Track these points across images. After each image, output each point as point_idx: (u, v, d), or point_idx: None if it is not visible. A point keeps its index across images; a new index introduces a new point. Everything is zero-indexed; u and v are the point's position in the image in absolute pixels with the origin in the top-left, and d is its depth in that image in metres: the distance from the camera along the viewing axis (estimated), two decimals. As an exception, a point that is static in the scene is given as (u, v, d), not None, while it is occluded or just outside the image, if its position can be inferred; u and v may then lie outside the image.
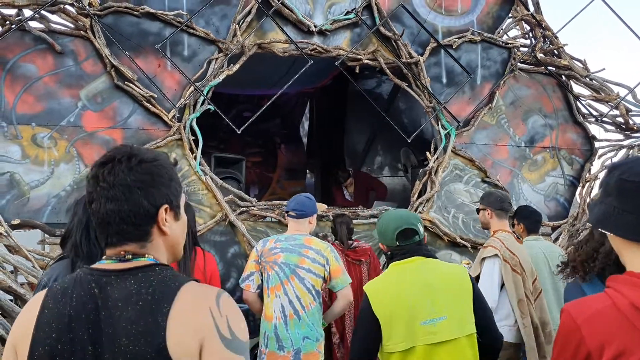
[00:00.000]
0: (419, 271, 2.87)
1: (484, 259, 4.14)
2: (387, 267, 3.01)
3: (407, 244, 2.92)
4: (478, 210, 4.47)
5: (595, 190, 6.55)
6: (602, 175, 5.49)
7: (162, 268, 1.51)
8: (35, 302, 1.52)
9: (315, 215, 4.19)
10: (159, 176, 1.53)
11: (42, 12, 4.94)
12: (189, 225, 3.42)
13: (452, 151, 6.17)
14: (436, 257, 3.02)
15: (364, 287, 2.92)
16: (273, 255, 3.93)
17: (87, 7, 5.04)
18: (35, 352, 1.44)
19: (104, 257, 1.55)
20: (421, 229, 2.98)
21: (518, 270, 4.03)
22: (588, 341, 1.46)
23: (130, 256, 1.51)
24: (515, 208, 5.41)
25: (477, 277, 4.13)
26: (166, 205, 1.53)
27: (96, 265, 1.53)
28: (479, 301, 2.88)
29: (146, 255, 1.52)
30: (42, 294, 1.53)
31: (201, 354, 1.41)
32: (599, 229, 1.59)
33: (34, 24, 5.01)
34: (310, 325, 3.86)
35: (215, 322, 1.44)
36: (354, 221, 5.71)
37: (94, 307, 1.45)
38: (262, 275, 3.96)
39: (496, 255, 4.07)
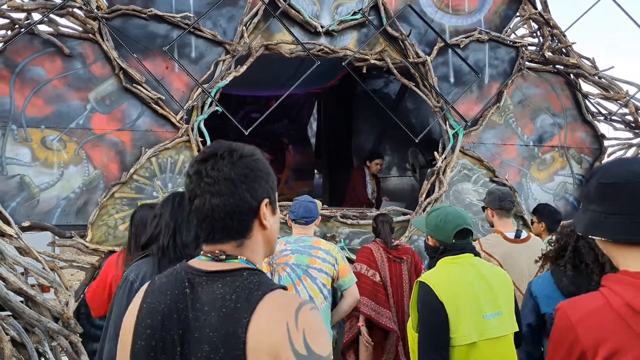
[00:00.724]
0: (475, 266, 2.93)
1: None
2: (434, 263, 3.04)
3: (463, 242, 2.98)
4: (484, 209, 4.46)
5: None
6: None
7: (250, 273, 1.48)
8: (139, 295, 1.57)
9: (320, 217, 4.31)
10: (259, 170, 1.53)
11: (51, 15, 4.98)
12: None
13: (460, 151, 6.15)
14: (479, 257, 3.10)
15: (420, 279, 2.90)
16: (284, 257, 3.96)
17: (95, 10, 5.08)
18: (136, 345, 1.49)
19: (202, 252, 1.55)
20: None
21: None
22: (582, 340, 1.46)
23: (224, 256, 1.50)
24: (522, 206, 5.40)
25: None
26: (267, 200, 1.53)
27: (194, 262, 1.54)
28: (515, 300, 2.99)
29: (239, 257, 1.51)
30: (143, 289, 1.57)
31: None
32: (590, 237, 1.59)
33: (42, 28, 5.05)
34: None
35: (290, 338, 1.39)
36: (361, 221, 5.72)
37: (184, 307, 1.46)
38: (272, 277, 3.97)
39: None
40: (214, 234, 1.50)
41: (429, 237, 3.09)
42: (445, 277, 2.87)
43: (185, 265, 1.54)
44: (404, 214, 6.00)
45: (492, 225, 4.46)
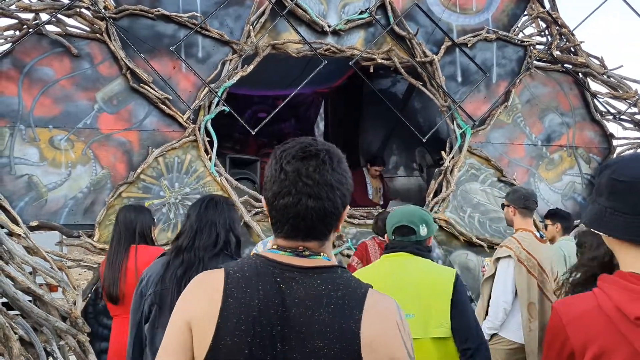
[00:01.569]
0: (398, 266, 2.88)
1: (498, 259, 4.11)
2: None
3: (401, 240, 2.92)
4: (503, 206, 4.44)
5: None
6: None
7: (343, 270, 1.50)
8: (211, 285, 1.46)
9: None
10: (350, 177, 1.54)
11: (59, 15, 5.00)
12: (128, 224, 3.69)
13: (467, 150, 6.13)
14: (429, 258, 2.96)
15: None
16: None
17: (103, 10, 5.09)
18: (222, 341, 1.40)
19: (275, 247, 1.51)
20: (423, 230, 2.91)
21: (534, 273, 3.97)
22: (572, 340, 1.48)
23: (308, 252, 1.49)
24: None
25: (492, 277, 4.10)
26: (348, 205, 1.54)
27: (271, 256, 1.50)
28: (459, 308, 2.75)
29: (322, 254, 1.51)
30: (217, 277, 1.47)
31: None
32: (593, 230, 1.58)
33: (50, 28, 5.07)
34: None
35: (403, 340, 1.44)
36: (368, 221, 5.72)
37: (280, 302, 1.42)
38: None
39: (509, 256, 4.03)
40: (299, 232, 1.49)
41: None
42: (368, 273, 2.92)
43: (263, 259, 1.50)
44: (411, 213, 5.98)
45: (510, 224, 4.41)
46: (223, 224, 2.69)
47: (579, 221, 6.48)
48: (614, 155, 6.77)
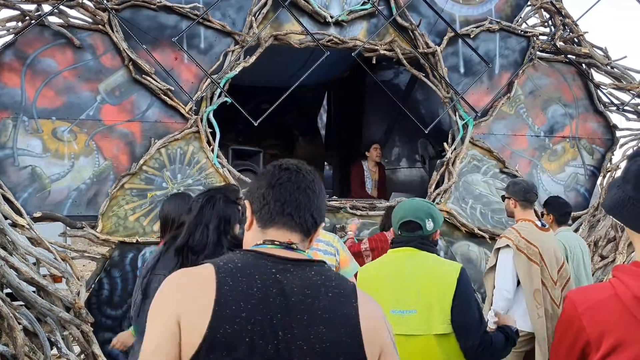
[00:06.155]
0: (402, 261, 2.86)
1: (497, 249, 4.14)
2: None
3: (407, 235, 2.89)
4: (503, 198, 4.44)
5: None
6: (623, 164, 5.42)
7: (329, 265, 1.58)
8: (203, 278, 1.44)
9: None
10: (323, 197, 1.66)
11: (61, 7, 4.99)
12: None
13: (470, 142, 6.12)
14: (435, 253, 2.93)
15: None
16: None
17: (105, 1, 5.08)
18: (220, 329, 1.37)
19: (264, 242, 1.54)
20: (429, 224, 2.87)
21: (535, 260, 4.00)
22: (588, 330, 1.45)
23: (296, 246, 1.54)
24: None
25: (494, 268, 4.13)
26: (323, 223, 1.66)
27: (260, 250, 1.52)
28: (461, 304, 2.71)
29: (306, 252, 1.57)
30: (204, 269, 1.46)
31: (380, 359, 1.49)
32: (611, 216, 1.56)
33: (53, 19, 5.07)
34: None
35: (389, 334, 1.54)
36: (370, 212, 5.72)
37: (279, 291, 1.44)
38: None
39: (508, 245, 4.05)
40: (288, 226, 1.55)
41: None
42: (368, 269, 2.97)
43: (254, 252, 1.52)
44: (414, 205, 5.97)
45: (510, 216, 4.44)
46: (216, 226, 2.67)
47: (580, 213, 6.50)
48: (618, 146, 6.76)
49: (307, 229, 1.56)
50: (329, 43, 5.73)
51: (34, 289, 4.45)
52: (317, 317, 1.43)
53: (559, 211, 4.90)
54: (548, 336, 3.97)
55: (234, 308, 1.40)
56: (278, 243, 1.52)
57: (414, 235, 2.88)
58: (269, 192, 1.54)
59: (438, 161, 6.22)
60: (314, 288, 1.46)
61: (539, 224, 4.24)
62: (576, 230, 6.42)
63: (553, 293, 4.03)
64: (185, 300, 1.41)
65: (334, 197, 5.93)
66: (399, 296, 2.75)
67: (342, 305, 1.46)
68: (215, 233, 2.66)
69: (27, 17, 4.96)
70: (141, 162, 5.14)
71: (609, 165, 6.68)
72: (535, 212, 6.10)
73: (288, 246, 1.52)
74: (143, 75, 5.19)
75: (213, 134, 5.39)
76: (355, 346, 1.43)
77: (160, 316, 1.42)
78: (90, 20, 5.15)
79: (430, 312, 2.71)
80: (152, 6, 5.23)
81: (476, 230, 5.94)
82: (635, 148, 6.75)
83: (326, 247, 3.99)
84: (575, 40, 6.61)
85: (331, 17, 5.75)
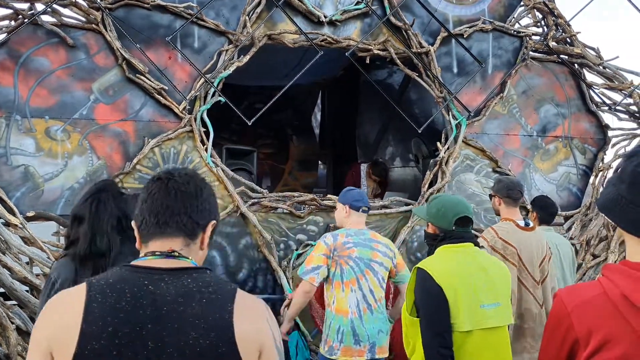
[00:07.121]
0: (474, 256, 2.93)
1: None
2: (432, 251, 3.03)
3: (464, 230, 2.97)
4: (491, 196, 4.46)
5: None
6: (615, 164, 5.46)
7: (212, 272, 1.60)
8: (73, 298, 1.49)
9: None
10: (207, 201, 1.72)
11: (54, 5, 4.98)
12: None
13: (463, 141, 6.15)
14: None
15: (418, 265, 2.88)
16: (347, 249, 3.93)
17: (98, 0, 5.08)
18: (88, 346, 1.41)
19: (146, 254, 1.57)
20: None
21: (512, 260, 3.97)
22: (577, 328, 1.47)
23: (177, 254, 1.56)
24: (526, 197, 5.38)
25: None
26: (214, 222, 1.68)
27: (137, 263, 1.55)
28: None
29: (190, 259, 1.58)
30: (77, 290, 1.50)
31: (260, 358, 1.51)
32: (603, 215, 1.57)
33: (46, 18, 5.06)
34: (382, 318, 3.92)
35: (272, 333, 1.55)
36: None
37: (150, 302, 1.46)
38: (328, 270, 3.93)
39: (482, 246, 4.04)
40: (164, 231, 1.57)
41: (429, 224, 3.09)
42: (443, 264, 2.86)
43: (128, 267, 1.55)
44: (407, 204, 6.00)
45: (497, 214, 4.44)
46: (115, 226, 2.60)
47: (572, 212, 6.54)
48: (609, 147, 6.80)
49: (189, 232, 1.59)
50: (322, 43, 5.74)
51: (27, 288, 4.44)
52: (188, 323, 1.45)
53: (544, 210, 4.86)
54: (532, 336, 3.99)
55: (100, 324, 1.43)
56: (159, 253, 1.55)
57: (468, 230, 2.99)
58: (143, 207, 1.59)
59: (431, 160, 6.24)
60: (189, 295, 1.49)
61: (521, 223, 4.19)
62: (568, 230, 6.46)
63: (536, 293, 4.02)
64: (54, 325, 1.46)
65: (328, 195, 5.92)
66: (488, 290, 2.85)
67: (215, 310, 1.48)
68: (115, 233, 2.59)
69: (20, 16, 4.95)
70: (135, 161, 5.14)
71: (601, 164, 6.73)
72: (528, 210, 6.17)
73: (169, 255, 1.55)
74: (137, 75, 5.18)
75: (207, 133, 5.39)
76: (228, 350, 1.45)
77: (34, 345, 1.48)
78: (83, 19, 5.14)
79: (508, 303, 2.91)
80: (145, 5, 5.23)
81: (469, 230, 5.96)
82: (627, 148, 6.80)
83: (385, 250, 4.02)
84: (568, 40, 6.65)
85: (325, 17, 5.75)
